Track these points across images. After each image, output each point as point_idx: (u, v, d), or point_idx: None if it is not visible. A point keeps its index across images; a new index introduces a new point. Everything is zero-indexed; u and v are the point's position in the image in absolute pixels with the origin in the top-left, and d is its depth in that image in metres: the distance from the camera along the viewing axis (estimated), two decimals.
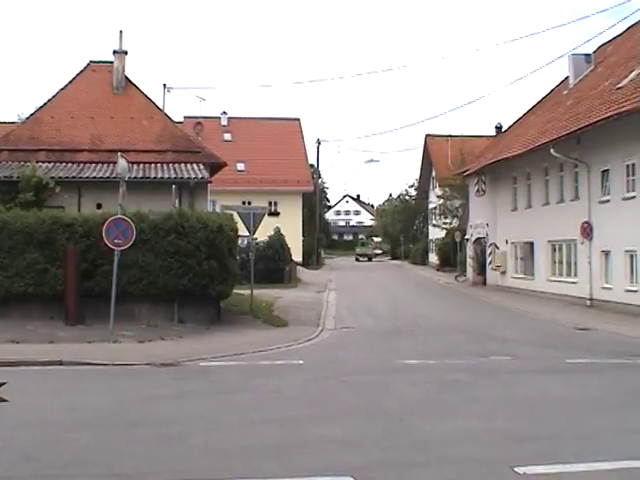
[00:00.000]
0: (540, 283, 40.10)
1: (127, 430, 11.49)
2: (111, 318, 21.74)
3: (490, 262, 48.40)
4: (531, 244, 42.02)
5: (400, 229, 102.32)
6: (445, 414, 12.81)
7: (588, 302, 33.71)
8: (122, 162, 23.40)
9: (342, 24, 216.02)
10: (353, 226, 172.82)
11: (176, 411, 12.93)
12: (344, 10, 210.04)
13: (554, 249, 39.10)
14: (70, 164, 31.69)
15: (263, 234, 41.17)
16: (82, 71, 36.31)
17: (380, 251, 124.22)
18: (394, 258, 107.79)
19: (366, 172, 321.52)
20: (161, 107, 37.77)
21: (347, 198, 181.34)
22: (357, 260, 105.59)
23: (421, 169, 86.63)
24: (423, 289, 48.26)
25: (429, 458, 10.05)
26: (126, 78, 35.96)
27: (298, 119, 79.74)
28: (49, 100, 35.10)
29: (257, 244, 39.47)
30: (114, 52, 35.67)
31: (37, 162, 30.33)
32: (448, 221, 69.29)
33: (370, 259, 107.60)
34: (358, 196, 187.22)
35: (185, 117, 72.50)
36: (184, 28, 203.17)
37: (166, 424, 11.89)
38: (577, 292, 34.98)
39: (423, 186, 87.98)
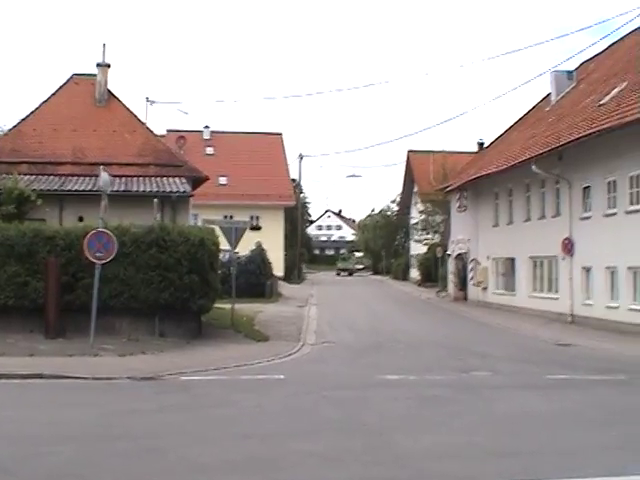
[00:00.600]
0: (521, 299, 40.22)
1: (107, 444, 11.44)
2: (92, 331, 21.68)
3: (471, 278, 48.53)
4: (512, 260, 42.16)
5: (382, 244, 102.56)
6: (426, 429, 12.84)
7: (569, 318, 33.84)
8: (104, 175, 23.40)
9: (323, 39, 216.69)
10: (335, 241, 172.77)
11: (157, 425, 12.90)
12: (327, 25, 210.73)
13: (535, 265, 39.25)
14: (52, 177, 31.62)
15: (245, 248, 41.19)
16: (65, 84, 36.27)
17: (361, 266, 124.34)
18: (375, 273, 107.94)
19: (348, 187, 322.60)
20: (143, 120, 37.77)
21: (329, 213, 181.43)
22: (338, 274, 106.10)
23: (403, 184, 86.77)
24: (404, 304, 48.29)
25: (410, 473, 10.06)
26: (109, 91, 35.93)
27: (280, 134, 79.91)
28: (32, 112, 35.02)
29: (239, 258, 39.42)
30: (97, 65, 35.64)
31: (19, 174, 30.19)
32: (430, 236, 69.33)
33: (351, 274, 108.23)
34: (340, 211, 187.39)
35: (167, 130, 72.41)
36: (168, 41, 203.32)
37: (146, 438, 11.86)
38: (558, 308, 35.10)
39: (405, 201, 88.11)
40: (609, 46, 41.29)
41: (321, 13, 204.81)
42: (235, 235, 28.93)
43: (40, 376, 17.42)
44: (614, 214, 30.90)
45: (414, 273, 79.55)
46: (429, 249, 67.18)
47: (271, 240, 58.74)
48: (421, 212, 71.45)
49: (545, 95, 46.28)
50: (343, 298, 52.41)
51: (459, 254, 51.49)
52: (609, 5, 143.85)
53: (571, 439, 12.17)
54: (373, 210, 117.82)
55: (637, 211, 29.36)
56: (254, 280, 45.54)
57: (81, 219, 28.19)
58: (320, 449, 11.23)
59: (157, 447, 11.25)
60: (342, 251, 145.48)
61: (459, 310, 42.99)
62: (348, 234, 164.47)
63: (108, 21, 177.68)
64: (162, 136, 52.78)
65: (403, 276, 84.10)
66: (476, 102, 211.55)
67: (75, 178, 31.46)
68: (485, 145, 56.83)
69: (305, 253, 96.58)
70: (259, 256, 47.58)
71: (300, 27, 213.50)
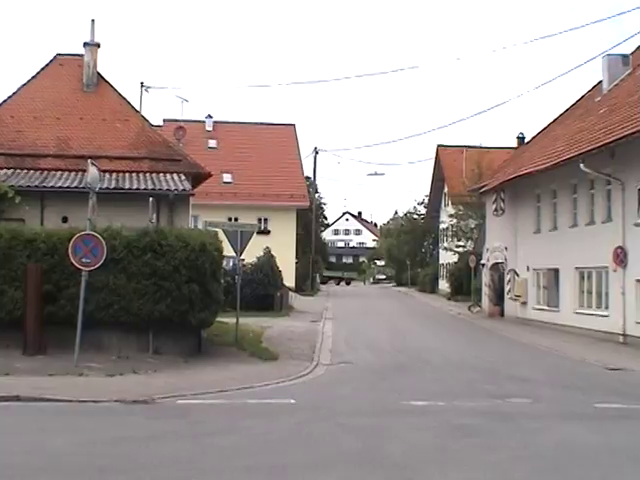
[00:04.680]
0: (566, 316, 40.08)
1: (92, 477, 11.43)
2: (76, 348, 21.70)
3: (509, 291, 48.44)
4: (556, 271, 42.04)
5: (407, 252, 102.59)
6: (455, 464, 12.77)
7: (621, 338, 33.71)
8: (92, 170, 23.40)
9: (345, 19, 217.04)
10: (353, 247, 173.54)
11: (149, 455, 12.88)
12: (347, 4, 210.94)
13: (582, 277, 39.11)
14: (32, 171, 31.68)
15: (251, 255, 41.23)
16: (48, 65, 36.43)
17: (383, 276, 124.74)
18: (399, 284, 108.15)
19: (369, 186, 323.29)
20: (137, 108, 37.90)
21: (347, 216, 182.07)
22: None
23: (431, 184, 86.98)
24: (431, 320, 48.30)
25: None
26: (98, 74, 36.07)
27: (293, 125, 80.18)
28: (9, 97, 35.15)
29: (244, 266, 39.48)
30: (85, 44, 35.80)
31: None
32: (461, 244, 69.43)
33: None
34: (360, 213, 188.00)
35: (165, 120, 72.81)
36: (165, 18, 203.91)
37: (137, 470, 11.84)
38: (608, 327, 34.96)
39: (433, 203, 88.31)
40: None
41: None
42: (241, 240, 28.98)
43: (17, 398, 17.41)
44: None
45: (443, 285, 79.71)
46: (461, 258, 67.21)
47: (281, 246, 58.91)
48: (452, 216, 71.57)
49: (596, 83, 46.20)
50: (362, 312, 52.47)
51: (495, 264, 51.46)
52: None
53: (623, 478, 12.09)
54: (397, 213, 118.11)
55: None
56: (262, 291, 45.83)
57: (65, 220, 28.27)
58: None
59: None
60: (362, 259, 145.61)
61: (494, 327, 42.92)
62: (369, 240, 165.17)
63: None
64: (158, 126, 53.07)
65: (431, 288, 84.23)
66: (516, 91, 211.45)
67: (59, 173, 31.54)
68: (526, 140, 56.80)
69: (320, 261, 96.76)
70: (267, 264, 47.70)
71: (320, 6, 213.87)
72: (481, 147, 71.52)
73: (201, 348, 26.02)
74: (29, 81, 35.76)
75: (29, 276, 23.54)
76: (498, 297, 50.96)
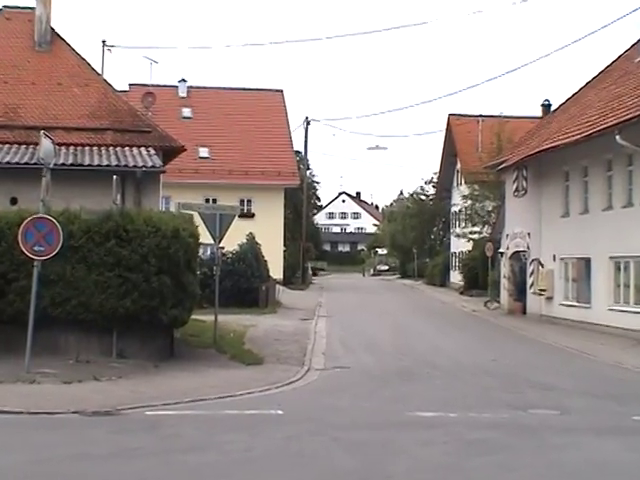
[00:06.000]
0: (598, 313, 40.06)
1: None
2: (27, 350, 21.65)
3: (532, 284, 48.45)
4: (587, 261, 42.03)
5: (413, 238, 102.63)
6: None
7: None
8: (46, 143, 23.33)
9: None
10: (351, 233, 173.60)
11: (112, 475, 12.88)
12: None
13: (618, 268, 39.08)
14: None
15: (232, 242, 41.22)
16: None
17: (386, 267, 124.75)
18: (404, 276, 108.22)
19: (369, 163, 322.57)
20: (99, 71, 37.82)
21: (343, 196, 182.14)
22: None
23: (442, 160, 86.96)
24: (441, 318, 48.40)
25: None
26: (52, 30, 35.95)
27: (281, 91, 79.92)
28: None
29: (224, 255, 39.49)
30: None
31: None
32: (477, 229, 69.42)
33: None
34: (358, 194, 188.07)
35: (131, 85, 72.60)
36: None
37: None
38: None
39: (444, 182, 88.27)
40: None
41: None
42: (220, 225, 28.97)
43: None
44: None
45: (455, 277, 79.84)
46: (475, 246, 67.26)
47: (267, 231, 59.00)
48: (465, 197, 71.53)
49: (635, 41, 46.17)
50: (361, 309, 52.62)
51: (515, 253, 51.49)
52: None
53: None
54: (402, 193, 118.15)
55: None
56: (244, 284, 45.85)
57: (14, 201, 28.21)
58: None
59: None
60: (360, 247, 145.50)
61: (514, 326, 43.00)
62: (368, 224, 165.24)
63: None
64: (124, 92, 52.91)
65: (441, 281, 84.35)
66: (541, 51, 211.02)
67: (6, 147, 31.41)
68: (552, 108, 56.80)
69: (312, 249, 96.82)
70: (251, 252, 47.72)
71: None
72: (500, 116, 71.39)
73: (173, 350, 26.05)
74: None
75: None
76: (519, 291, 50.97)
